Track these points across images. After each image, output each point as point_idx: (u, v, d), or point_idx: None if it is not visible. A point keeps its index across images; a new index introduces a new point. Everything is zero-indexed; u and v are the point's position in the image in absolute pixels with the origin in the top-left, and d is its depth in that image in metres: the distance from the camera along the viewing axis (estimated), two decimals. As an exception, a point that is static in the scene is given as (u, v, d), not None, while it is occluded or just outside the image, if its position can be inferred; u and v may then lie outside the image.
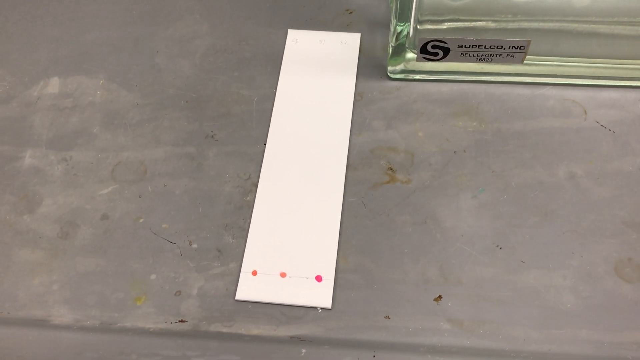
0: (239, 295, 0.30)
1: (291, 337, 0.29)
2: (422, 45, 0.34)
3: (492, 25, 0.33)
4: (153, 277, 0.31)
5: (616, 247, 0.31)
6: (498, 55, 0.34)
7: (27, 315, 0.30)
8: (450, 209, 0.32)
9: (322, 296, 0.30)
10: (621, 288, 0.30)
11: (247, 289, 0.30)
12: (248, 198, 0.33)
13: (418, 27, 0.33)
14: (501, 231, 0.31)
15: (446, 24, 0.34)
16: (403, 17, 0.33)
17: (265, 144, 0.35)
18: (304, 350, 0.29)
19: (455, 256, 0.31)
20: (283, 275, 0.31)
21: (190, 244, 0.32)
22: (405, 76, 0.37)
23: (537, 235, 0.31)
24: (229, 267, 0.31)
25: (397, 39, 0.34)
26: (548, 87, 0.36)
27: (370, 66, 0.38)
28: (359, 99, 0.36)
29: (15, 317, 0.30)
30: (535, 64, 0.35)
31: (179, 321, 0.30)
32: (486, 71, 0.36)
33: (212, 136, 0.35)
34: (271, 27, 0.40)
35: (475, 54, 0.34)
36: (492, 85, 0.36)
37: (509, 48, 0.34)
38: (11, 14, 0.41)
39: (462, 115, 0.35)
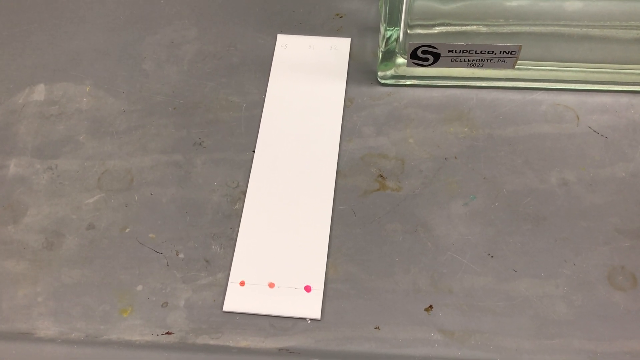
0: (227, 307, 0.30)
1: (280, 349, 0.29)
2: (412, 51, 0.34)
3: (483, 29, 0.33)
4: (139, 288, 0.31)
5: (609, 255, 0.30)
6: (489, 61, 0.34)
7: (11, 329, 0.30)
8: (441, 216, 0.32)
9: (311, 307, 0.30)
10: (614, 296, 0.29)
11: (235, 300, 0.30)
12: (236, 207, 0.33)
13: (408, 31, 0.33)
14: (493, 239, 0.31)
15: (437, 28, 0.33)
16: (392, 21, 0.33)
17: (254, 152, 0.34)
18: (292, 363, 0.28)
19: (447, 265, 0.30)
20: (271, 285, 0.30)
21: (177, 254, 0.31)
22: (395, 81, 0.36)
23: (529, 243, 0.31)
24: (217, 278, 0.31)
25: (386, 44, 0.34)
26: (540, 92, 0.36)
27: (361, 71, 0.37)
28: (349, 104, 0.36)
29: (-1, 330, 0.30)
30: (527, 69, 0.35)
31: (166, 333, 0.29)
32: (477, 76, 0.35)
33: (200, 143, 0.35)
34: (260, 32, 0.39)
35: (466, 59, 0.34)
36: (484, 90, 0.36)
37: (500, 53, 0.33)
38: (-4, 19, 0.41)
39: (453, 121, 0.35)
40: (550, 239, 0.31)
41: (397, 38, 0.34)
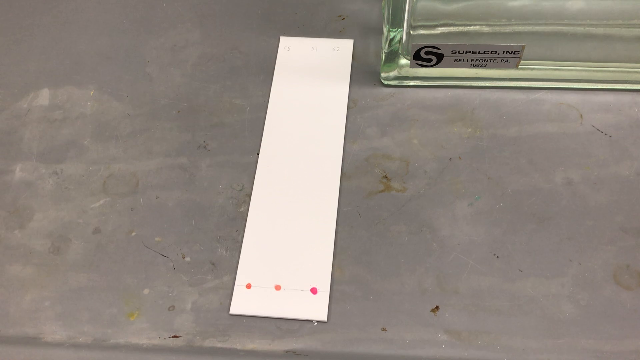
0: (234, 309, 0.30)
1: (286, 352, 0.29)
2: (416, 52, 0.34)
3: (486, 29, 0.33)
4: (146, 291, 0.31)
5: (614, 254, 0.30)
6: (492, 61, 0.34)
7: (19, 333, 0.30)
8: (446, 217, 0.32)
9: (317, 309, 0.30)
10: (620, 295, 0.29)
11: (242, 303, 0.30)
12: (241, 209, 0.33)
13: (411, 32, 0.33)
14: (498, 239, 0.31)
15: (439, 29, 0.33)
16: (395, 22, 0.33)
17: (258, 154, 0.34)
18: (299, 365, 0.28)
19: (452, 265, 0.31)
20: (278, 288, 0.30)
21: (183, 257, 0.32)
22: (399, 82, 0.36)
23: (534, 242, 0.31)
24: (223, 281, 0.31)
25: (389, 45, 0.34)
26: (543, 92, 0.36)
27: (364, 73, 0.37)
28: (353, 106, 0.36)
29: (6, 335, 0.30)
30: (530, 69, 0.35)
31: (173, 336, 0.29)
32: (480, 76, 0.35)
33: (205, 146, 0.35)
34: (263, 35, 0.39)
35: (469, 60, 0.34)
36: (487, 90, 0.36)
37: (503, 53, 0.33)
38: None
39: (457, 122, 0.35)
40: (556, 238, 0.31)
41: (400, 39, 0.34)
